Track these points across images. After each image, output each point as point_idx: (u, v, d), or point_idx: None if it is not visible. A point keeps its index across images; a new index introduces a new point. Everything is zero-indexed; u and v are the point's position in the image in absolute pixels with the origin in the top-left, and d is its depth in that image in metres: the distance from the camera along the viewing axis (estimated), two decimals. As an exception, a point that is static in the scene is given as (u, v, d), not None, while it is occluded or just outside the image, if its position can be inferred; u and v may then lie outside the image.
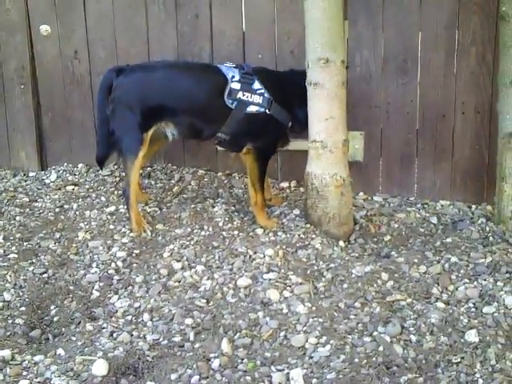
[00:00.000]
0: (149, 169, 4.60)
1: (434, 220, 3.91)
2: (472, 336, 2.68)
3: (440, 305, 2.94)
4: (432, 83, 4.08)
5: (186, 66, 4.05)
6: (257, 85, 3.73)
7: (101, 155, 4.00)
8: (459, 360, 2.55)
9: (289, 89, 3.80)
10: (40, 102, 4.80)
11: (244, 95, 3.70)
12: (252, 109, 3.71)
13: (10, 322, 2.99)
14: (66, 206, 4.16)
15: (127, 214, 3.84)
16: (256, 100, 3.70)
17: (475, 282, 3.13)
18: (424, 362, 2.56)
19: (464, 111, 4.05)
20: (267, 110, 3.71)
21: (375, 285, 3.12)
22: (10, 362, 2.67)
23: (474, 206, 4.07)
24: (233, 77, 3.72)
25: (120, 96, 3.76)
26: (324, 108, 3.52)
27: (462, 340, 2.67)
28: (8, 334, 2.91)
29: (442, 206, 4.12)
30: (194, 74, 3.90)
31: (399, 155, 4.23)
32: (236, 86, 3.70)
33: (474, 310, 2.91)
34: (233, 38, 4.33)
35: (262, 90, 3.72)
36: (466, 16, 3.92)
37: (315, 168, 3.58)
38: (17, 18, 4.63)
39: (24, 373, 2.61)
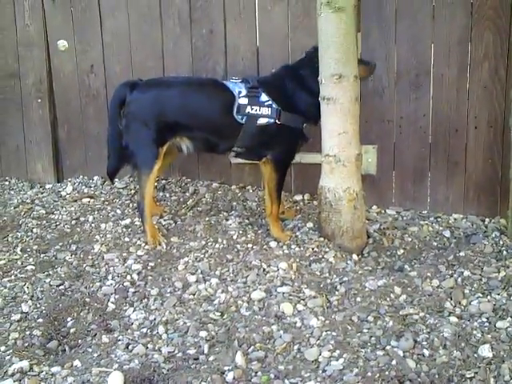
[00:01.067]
0: (163, 182, 4.65)
1: (447, 234, 3.92)
2: (485, 351, 2.69)
3: (453, 319, 2.95)
4: (445, 97, 4.11)
5: (198, 83, 4.08)
6: (264, 97, 3.77)
7: (112, 169, 4.09)
8: (473, 375, 2.56)
9: (295, 90, 3.81)
10: (56, 116, 4.88)
11: (252, 109, 3.75)
12: (262, 121, 3.76)
13: (27, 333, 3.03)
14: (81, 219, 4.21)
15: (142, 227, 3.89)
16: (265, 112, 3.75)
17: (488, 297, 3.14)
18: (437, 376, 2.56)
19: (477, 125, 4.07)
20: (277, 121, 3.75)
21: (388, 299, 3.14)
22: (28, 373, 2.71)
23: (487, 220, 4.08)
24: (240, 92, 3.78)
25: (134, 111, 3.82)
26: (337, 123, 3.55)
27: (476, 355, 2.68)
28: (26, 345, 2.94)
29: (455, 219, 4.14)
30: (204, 91, 3.92)
31: (412, 169, 4.26)
32: (244, 101, 3.75)
33: (487, 324, 2.92)
34: (247, 52, 4.39)
35: (270, 102, 3.76)
36: (479, 31, 3.95)
37: (328, 182, 3.61)
38: (35, 33, 4.72)
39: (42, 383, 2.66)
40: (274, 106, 3.76)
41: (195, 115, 3.83)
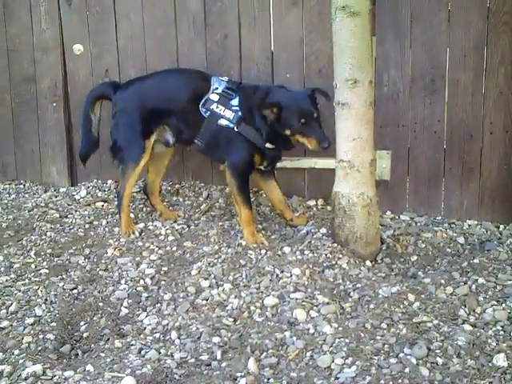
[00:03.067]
0: (177, 186, 4.66)
1: (461, 240, 3.89)
2: (500, 360, 2.65)
3: (467, 327, 2.92)
4: (460, 103, 4.09)
5: (179, 71, 4.31)
6: (235, 102, 3.84)
7: (85, 153, 4.29)
8: (487, 384, 2.54)
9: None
10: (71, 120, 4.91)
11: (218, 107, 3.83)
12: (222, 122, 3.83)
13: (41, 337, 3.03)
14: (95, 223, 4.23)
15: (118, 216, 4.11)
16: (228, 115, 3.81)
17: (503, 305, 3.10)
18: (451, 385, 2.54)
19: (492, 131, 4.05)
20: (235, 127, 3.79)
21: (401, 306, 3.12)
22: (42, 377, 2.71)
23: (502, 226, 4.06)
24: (216, 88, 3.88)
25: (121, 108, 4.08)
26: (352, 128, 3.53)
27: (490, 364, 2.65)
28: (39, 349, 2.95)
29: (470, 225, 4.11)
30: (182, 77, 4.13)
31: (426, 174, 4.24)
32: (214, 97, 3.86)
33: (502, 333, 2.88)
34: (261, 57, 4.39)
35: (237, 108, 3.82)
36: (495, 35, 3.94)
37: (342, 187, 3.60)
38: (51, 38, 4.76)
39: (55, 388, 2.66)
40: (239, 113, 3.81)
41: (170, 99, 4.00)
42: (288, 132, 3.72)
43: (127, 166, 4.03)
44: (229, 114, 3.81)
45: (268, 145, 3.82)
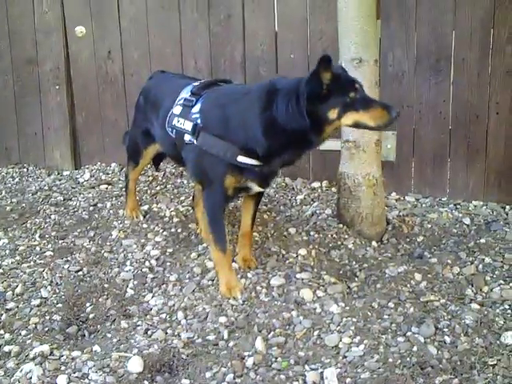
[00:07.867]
0: (181, 168, 4.63)
1: (467, 221, 3.88)
2: (508, 338, 2.65)
3: (474, 306, 2.92)
4: (466, 83, 4.05)
5: (168, 82, 3.54)
6: (196, 108, 3.04)
7: None
8: (495, 362, 2.53)
9: (247, 111, 2.88)
10: (74, 102, 4.88)
11: (179, 122, 3.07)
12: (187, 138, 3.05)
13: (47, 318, 3.03)
14: (99, 205, 4.22)
15: (122, 198, 4.16)
16: (187, 127, 3.01)
17: (511, 284, 3.10)
18: (459, 363, 2.53)
19: (498, 111, 4.01)
20: (195, 140, 2.99)
21: (408, 285, 3.11)
22: (49, 357, 2.71)
23: (507, 207, 4.04)
24: (180, 99, 3.14)
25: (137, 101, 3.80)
26: (357, 108, 3.51)
27: (498, 342, 2.65)
28: (46, 329, 2.94)
29: (475, 206, 4.10)
30: (167, 90, 3.37)
31: (432, 155, 4.21)
32: (177, 110, 3.11)
33: (510, 311, 2.89)
34: (265, 37, 4.36)
35: (197, 115, 3.02)
36: (502, 13, 3.89)
37: (348, 168, 3.58)
38: (53, 20, 4.72)
39: (62, 367, 2.64)
40: (198, 121, 2.99)
41: (148, 116, 3.57)
42: (334, 114, 2.73)
43: (128, 164, 3.90)
44: (188, 125, 3.00)
45: (250, 160, 2.89)
